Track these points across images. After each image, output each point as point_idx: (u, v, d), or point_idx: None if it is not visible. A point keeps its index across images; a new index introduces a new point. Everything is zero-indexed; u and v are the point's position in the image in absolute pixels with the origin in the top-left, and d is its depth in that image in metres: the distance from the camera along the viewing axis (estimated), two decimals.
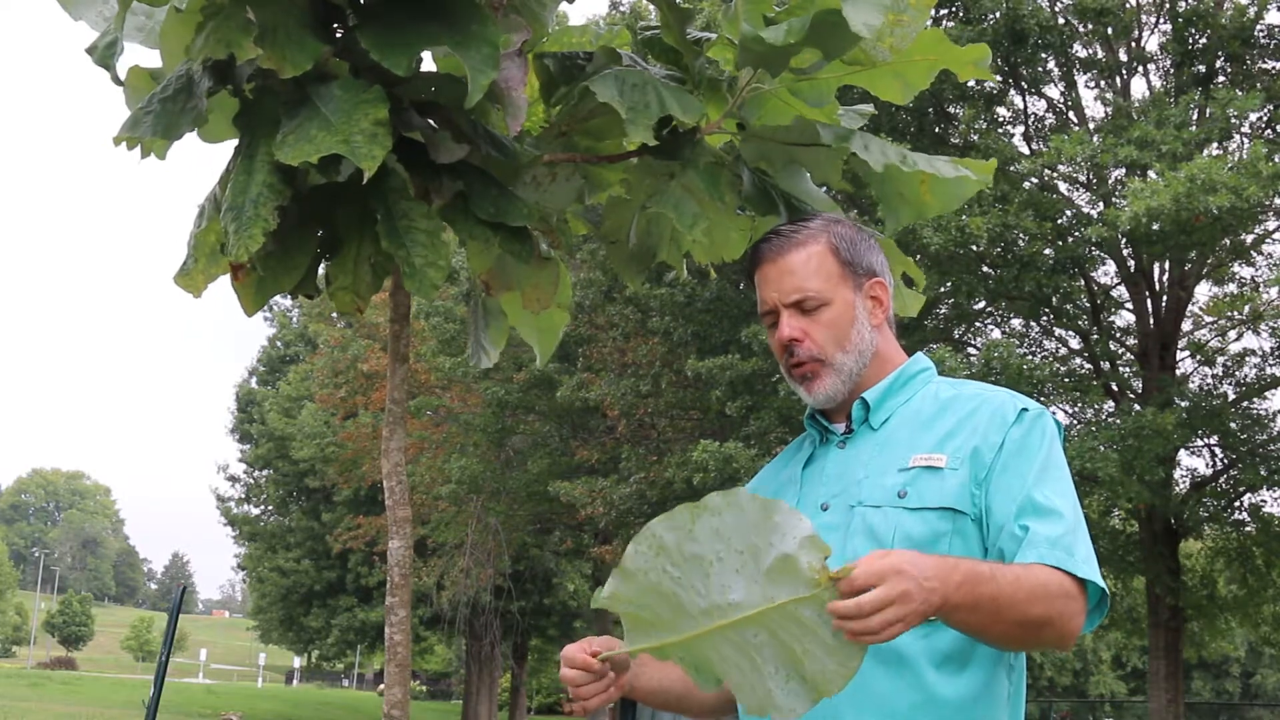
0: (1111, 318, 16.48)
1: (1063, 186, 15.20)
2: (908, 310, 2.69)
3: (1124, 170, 13.99)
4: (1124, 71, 15.39)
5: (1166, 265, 15.39)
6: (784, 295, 1.93)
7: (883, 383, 1.94)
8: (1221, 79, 14.28)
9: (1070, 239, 14.04)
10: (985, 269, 14.20)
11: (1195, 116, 13.89)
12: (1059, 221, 13.99)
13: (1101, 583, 1.73)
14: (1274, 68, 14.34)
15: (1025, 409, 1.85)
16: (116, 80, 2.55)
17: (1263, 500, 15.91)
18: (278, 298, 36.08)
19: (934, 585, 1.53)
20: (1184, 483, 15.95)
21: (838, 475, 1.90)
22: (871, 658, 1.71)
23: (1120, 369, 15.70)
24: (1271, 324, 15.05)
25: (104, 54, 2.54)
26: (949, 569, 1.57)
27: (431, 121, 2.71)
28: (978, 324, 16.49)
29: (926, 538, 1.77)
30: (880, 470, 1.85)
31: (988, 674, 1.79)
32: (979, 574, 1.60)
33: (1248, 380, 15.78)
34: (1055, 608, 1.67)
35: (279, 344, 38.03)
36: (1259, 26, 13.91)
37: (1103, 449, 12.57)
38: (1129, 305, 16.04)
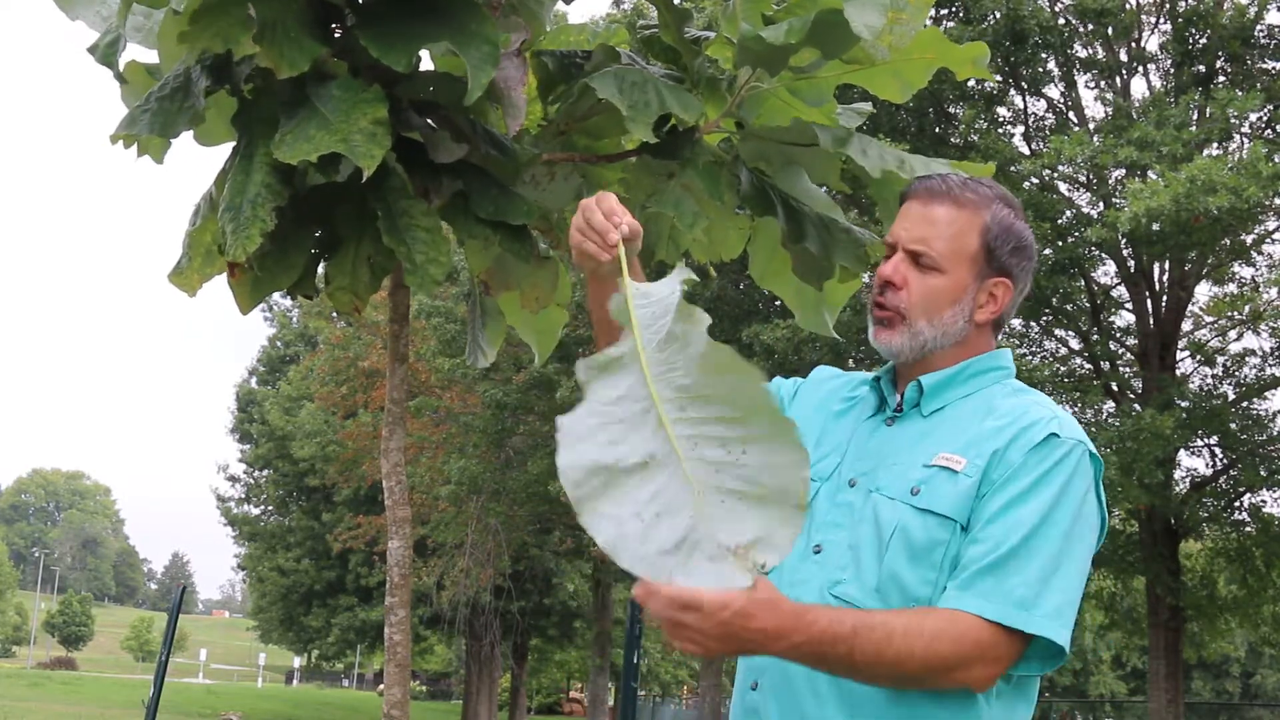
0: (1111, 318, 16.48)
1: (1063, 187, 15.21)
2: None
3: (1124, 171, 13.99)
4: (1124, 71, 15.39)
5: (1166, 265, 15.40)
6: (909, 239, 1.84)
7: (946, 371, 1.85)
8: (1221, 79, 14.28)
9: (1070, 239, 14.05)
10: None
11: (1195, 117, 13.89)
12: (1059, 222, 13.99)
13: (1059, 638, 1.64)
14: (1274, 68, 14.34)
15: (1055, 434, 1.74)
16: (120, 78, 2.55)
17: (1263, 500, 15.92)
18: (277, 297, 35.67)
19: (749, 640, 1.50)
20: (1184, 483, 15.96)
21: (873, 453, 1.83)
22: None
23: (1120, 369, 15.71)
24: (1271, 324, 15.05)
25: (106, 52, 2.55)
26: (787, 630, 1.52)
27: (430, 121, 2.71)
28: None
29: (923, 543, 1.70)
30: (909, 462, 1.78)
31: (966, 692, 1.68)
32: (834, 635, 1.55)
33: (1248, 380, 15.78)
34: (939, 664, 1.60)
35: (279, 344, 38.02)
36: (1259, 26, 13.91)
37: (1103, 451, 12.58)
38: (1129, 305, 16.04)
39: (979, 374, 1.86)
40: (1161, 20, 14.98)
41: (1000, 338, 1.96)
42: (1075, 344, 16.25)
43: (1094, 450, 1.77)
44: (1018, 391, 1.85)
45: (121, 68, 2.58)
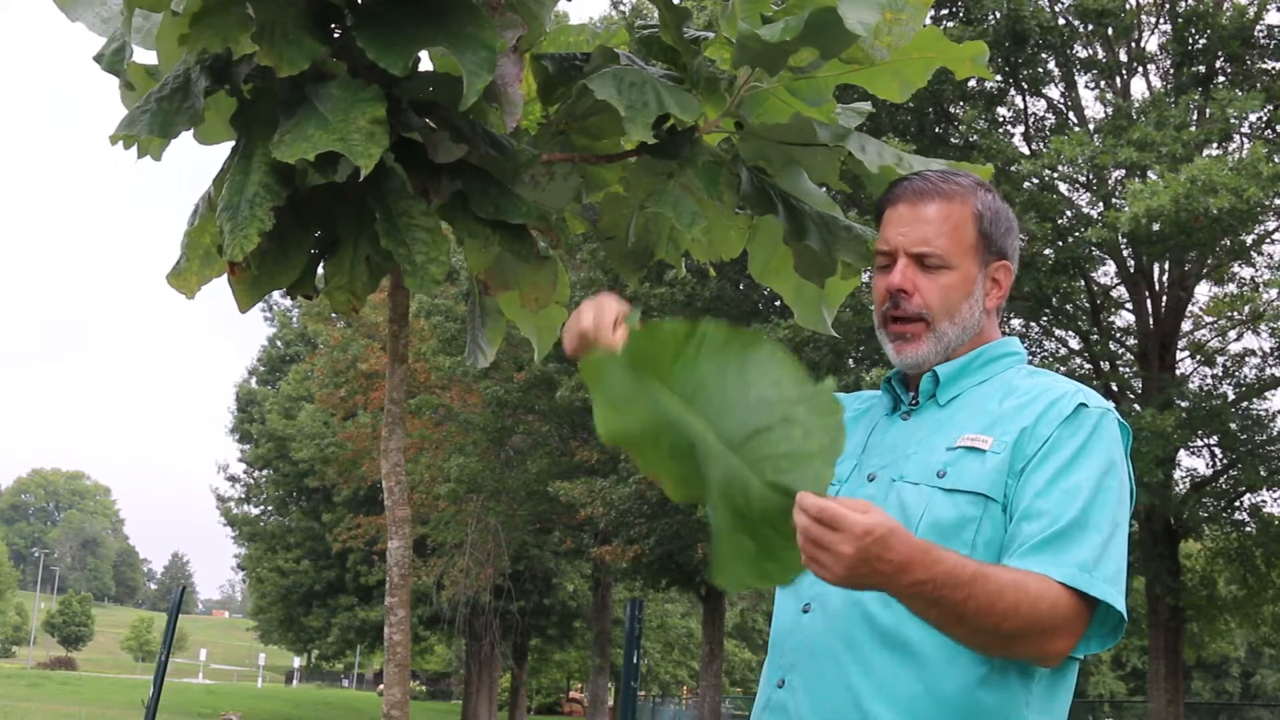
0: (1111, 318, 16.49)
1: (1063, 187, 15.21)
2: None
3: (1124, 171, 13.99)
4: (1124, 72, 15.39)
5: (1166, 265, 15.40)
6: (909, 243, 1.82)
7: (959, 360, 1.84)
8: (1221, 79, 14.29)
9: (1070, 239, 14.05)
10: None
11: (1195, 117, 13.89)
12: (1059, 222, 13.99)
13: (1118, 604, 1.62)
14: (1274, 68, 14.34)
15: (1084, 404, 1.73)
16: (128, 85, 2.56)
17: (1263, 500, 15.92)
18: (277, 296, 35.78)
19: (881, 570, 1.45)
20: (1184, 483, 15.96)
21: (890, 447, 1.82)
22: (878, 639, 1.67)
23: (1120, 369, 15.71)
24: (1271, 324, 15.04)
25: (112, 60, 2.55)
26: (916, 564, 1.48)
27: (430, 121, 2.71)
28: None
29: (954, 522, 1.68)
30: (930, 448, 1.77)
31: (1008, 679, 1.67)
32: (956, 577, 1.51)
33: (1248, 380, 15.79)
34: (1036, 626, 1.57)
35: (279, 344, 38.05)
36: (1259, 26, 13.91)
37: None
38: (1129, 305, 16.04)
39: (993, 360, 1.86)
40: (1161, 20, 14.98)
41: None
42: (1075, 344, 16.26)
43: (1121, 419, 1.77)
44: (1034, 374, 1.85)
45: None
